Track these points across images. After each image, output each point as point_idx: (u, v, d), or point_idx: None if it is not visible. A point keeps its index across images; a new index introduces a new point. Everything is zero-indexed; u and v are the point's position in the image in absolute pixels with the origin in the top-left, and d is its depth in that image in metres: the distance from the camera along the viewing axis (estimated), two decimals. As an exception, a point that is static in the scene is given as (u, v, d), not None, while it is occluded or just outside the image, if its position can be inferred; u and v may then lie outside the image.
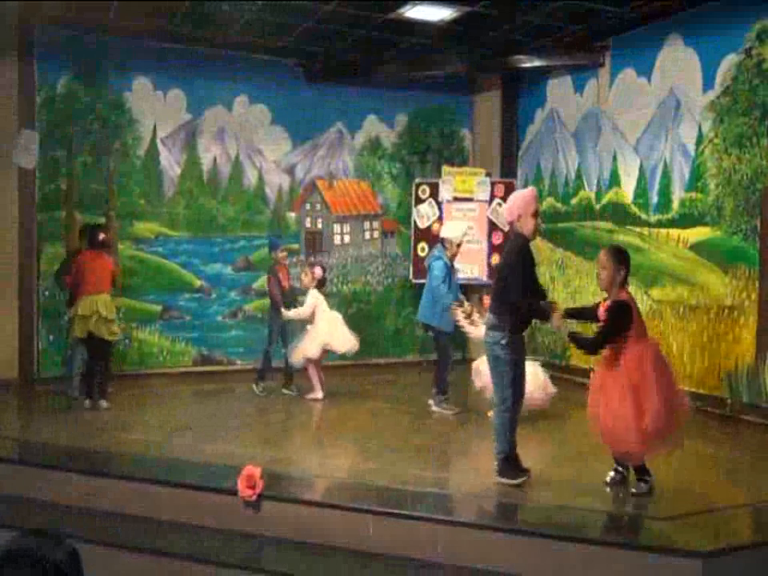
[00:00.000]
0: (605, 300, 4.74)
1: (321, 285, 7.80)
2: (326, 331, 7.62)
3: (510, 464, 4.84)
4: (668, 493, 4.73)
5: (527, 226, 4.84)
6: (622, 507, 4.60)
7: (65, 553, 1.76)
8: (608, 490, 4.80)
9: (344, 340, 7.70)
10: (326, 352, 7.72)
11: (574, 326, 5.55)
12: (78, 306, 6.99)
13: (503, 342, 4.76)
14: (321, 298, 7.72)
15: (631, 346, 4.51)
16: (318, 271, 7.79)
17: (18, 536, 1.78)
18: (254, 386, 7.92)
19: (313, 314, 7.62)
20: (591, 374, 4.98)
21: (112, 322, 7.04)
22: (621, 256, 4.67)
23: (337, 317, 7.83)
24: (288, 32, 8.33)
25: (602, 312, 4.67)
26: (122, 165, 8.64)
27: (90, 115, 8.44)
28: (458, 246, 7.19)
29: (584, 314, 5.04)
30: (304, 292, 7.88)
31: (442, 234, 7.33)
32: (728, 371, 6.90)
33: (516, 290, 4.71)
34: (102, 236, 7.15)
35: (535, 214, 4.85)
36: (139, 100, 8.67)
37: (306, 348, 7.60)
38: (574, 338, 4.71)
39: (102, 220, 8.33)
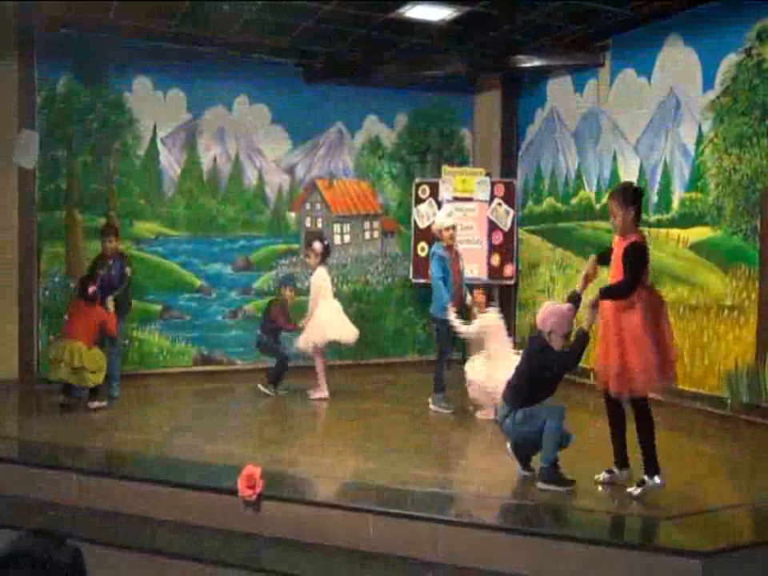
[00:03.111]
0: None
1: (325, 257, 7.83)
2: (328, 320, 7.65)
3: (558, 470, 4.85)
4: (668, 493, 4.73)
5: (556, 343, 4.85)
6: (622, 507, 4.60)
7: (68, 554, 1.76)
8: (600, 488, 4.82)
9: (345, 329, 7.75)
10: (328, 343, 7.75)
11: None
12: (51, 348, 7.12)
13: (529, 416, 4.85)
14: (326, 278, 7.76)
15: (645, 288, 4.65)
16: (317, 246, 7.79)
17: (21, 537, 1.78)
18: (265, 389, 7.91)
19: (315, 299, 7.66)
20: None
21: (81, 370, 6.87)
22: (628, 196, 4.68)
23: (337, 306, 7.86)
24: (288, 32, 8.32)
25: (617, 254, 4.73)
26: (122, 165, 8.63)
27: (89, 115, 8.43)
28: (450, 229, 7.26)
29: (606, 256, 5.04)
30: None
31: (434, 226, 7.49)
32: (728, 371, 6.90)
33: (536, 389, 4.88)
34: (91, 289, 7.09)
35: (567, 336, 4.86)
36: (139, 100, 8.66)
37: (311, 335, 7.63)
38: (603, 293, 4.64)
39: (103, 221, 8.33)
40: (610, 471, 4.91)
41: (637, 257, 4.60)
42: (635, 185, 4.94)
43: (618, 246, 4.79)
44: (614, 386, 4.70)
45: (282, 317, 7.99)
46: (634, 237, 4.68)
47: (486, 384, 6.55)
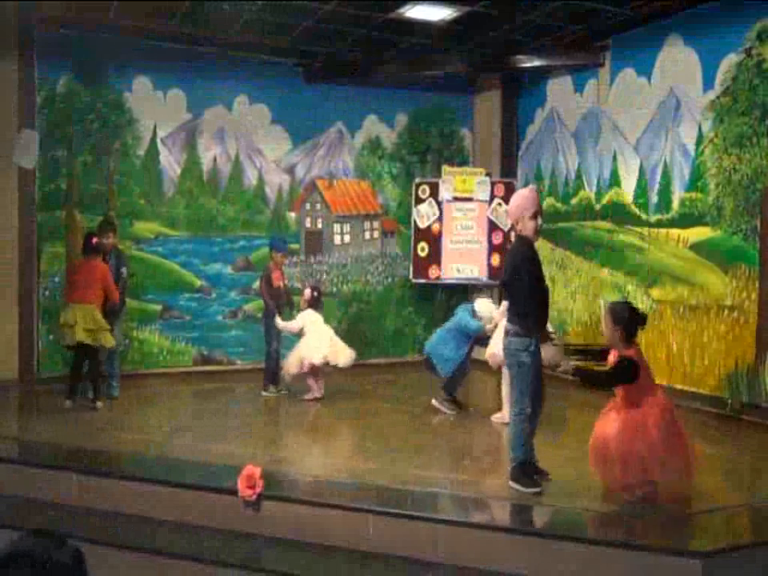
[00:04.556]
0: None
1: (314, 305, 7.72)
2: (316, 347, 7.47)
3: (526, 471, 4.79)
4: (668, 493, 4.72)
5: (527, 228, 4.77)
6: (622, 507, 4.59)
7: (68, 554, 1.76)
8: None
9: (339, 354, 7.58)
10: (325, 364, 7.58)
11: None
12: (61, 313, 7.01)
13: (530, 348, 4.71)
14: (313, 318, 7.62)
15: (641, 396, 4.51)
16: (306, 293, 7.75)
17: (21, 537, 1.78)
18: (263, 392, 7.87)
19: (303, 329, 7.59)
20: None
21: (97, 331, 6.86)
22: (618, 314, 4.57)
23: (329, 333, 7.70)
24: (288, 32, 8.33)
25: (611, 360, 4.66)
26: (122, 165, 8.63)
27: (89, 115, 8.44)
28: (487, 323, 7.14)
29: (590, 352, 4.99)
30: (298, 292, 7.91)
31: (476, 307, 7.12)
32: (728, 371, 6.90)
33: (528, 295, 4.68)
34: (93, 240, 7.09)
35: (535, 216, 4.76)
36: (139, 100, 8.66)
37: (292, 363, 7.53)
38: (580, 372, 4.63)
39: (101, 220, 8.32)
40: None
41: (624, 372, 4.48)
42: (630, 306, 4.71)
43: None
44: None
45: (266, 294, 7.84)
46: (629, 351, 4.54)
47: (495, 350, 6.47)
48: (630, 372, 4.49)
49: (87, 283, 6.94)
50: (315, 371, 7.63)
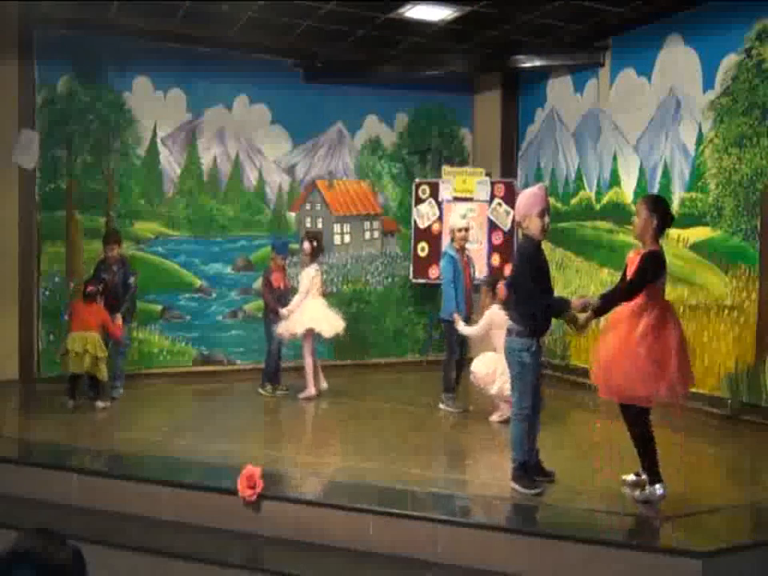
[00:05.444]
0: (634, 252, 4.69)
1: (315, 256, 7.79)
2: (310, 315, 7.57)
3: (527, 472, 4.78)
4: (668, 493, 4.73)
5: (533, 227, 4.71)
6: (623, 507, 4.60)
7: (68, 554, 1.76)
8: (626, 490, 4.78)
9: (329, 324, 7.65)
10: (316, 336, 7.66)
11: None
12: (67, 341, 6.96)
13: (531, 348, 4.69)
14: (313, 276, 7.67)
15: (656, 300, 4.49)
16: (306, 246, 7.82)
17: (21, 537, 1.78)
18: (260, 389, 7.88)
19: (303, 293, 7.63)
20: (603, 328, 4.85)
21: (101, 360, 6.90)
22: (655, 204, 4.59)
23: (321, 302, 7.77)
24: (288, 32, 8.33)
25: (631, 259, 4.63)
26: (122, 165, 8.63)
27: (90, 115, 8.44)
28: (463, 230, 7.23)
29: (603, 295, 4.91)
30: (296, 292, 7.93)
31: (451, 224, 7.46)
32: (728, 371, 6.90)
33: (531, 296, 4.64)
34: (89, 288, 7.04)
35: (542, 214, 4.68)
36: (139, 100, 8.66)
37: (290, 323, 7.57)
38: (604, 300, 4.55)
39: (103, 220, 8.33)
40: (637, 474, 4.80)
41: (651, 264, 4.46)
42: (665, 199, 4.79)
43: (634, 260, 4.62)
44: (601, 390, 4.65)
45: (267, 293, 7.86)
46: (652, 247, 4.54)
47: (491, 378, 6.47)
48: (658, 265, 4.48)
49: (88, 323, 6.93)
50: (313, 352, 7.67)
